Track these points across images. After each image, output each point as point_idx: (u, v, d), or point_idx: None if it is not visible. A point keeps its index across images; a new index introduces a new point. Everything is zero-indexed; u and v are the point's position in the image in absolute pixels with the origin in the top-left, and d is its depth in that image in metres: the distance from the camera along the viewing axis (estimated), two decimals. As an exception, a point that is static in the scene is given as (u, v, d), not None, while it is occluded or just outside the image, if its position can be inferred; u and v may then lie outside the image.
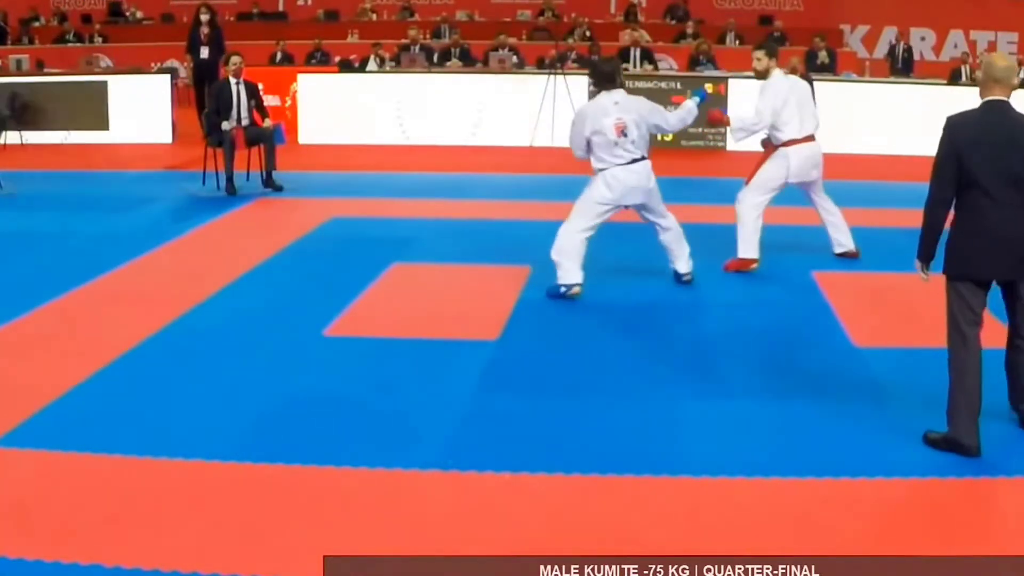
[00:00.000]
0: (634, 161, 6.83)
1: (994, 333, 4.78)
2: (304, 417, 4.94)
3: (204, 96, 13.84)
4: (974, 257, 4.45)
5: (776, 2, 21.92)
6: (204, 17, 14.44)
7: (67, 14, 21.71)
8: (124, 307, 6.74)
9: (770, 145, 7.65)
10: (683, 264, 7.24)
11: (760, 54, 7.62)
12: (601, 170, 6.86)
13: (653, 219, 7.14)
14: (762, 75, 7.61)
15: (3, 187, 10.69)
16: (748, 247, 7.53)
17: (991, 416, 4.90)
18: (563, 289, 6.90)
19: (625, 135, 6.75)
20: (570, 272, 6.89)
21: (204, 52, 14.32)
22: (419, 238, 8.67)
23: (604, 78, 6.99)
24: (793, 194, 7.97)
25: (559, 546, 3.66)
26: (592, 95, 6.93)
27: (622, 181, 6.83)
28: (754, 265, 7.53)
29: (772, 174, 7.58)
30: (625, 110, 6.80)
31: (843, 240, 7.89)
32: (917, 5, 20.31)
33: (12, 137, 13.70)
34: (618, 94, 6.87)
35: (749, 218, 7.54)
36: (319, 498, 4.10)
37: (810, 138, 7.61)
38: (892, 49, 17.40)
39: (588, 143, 6.85)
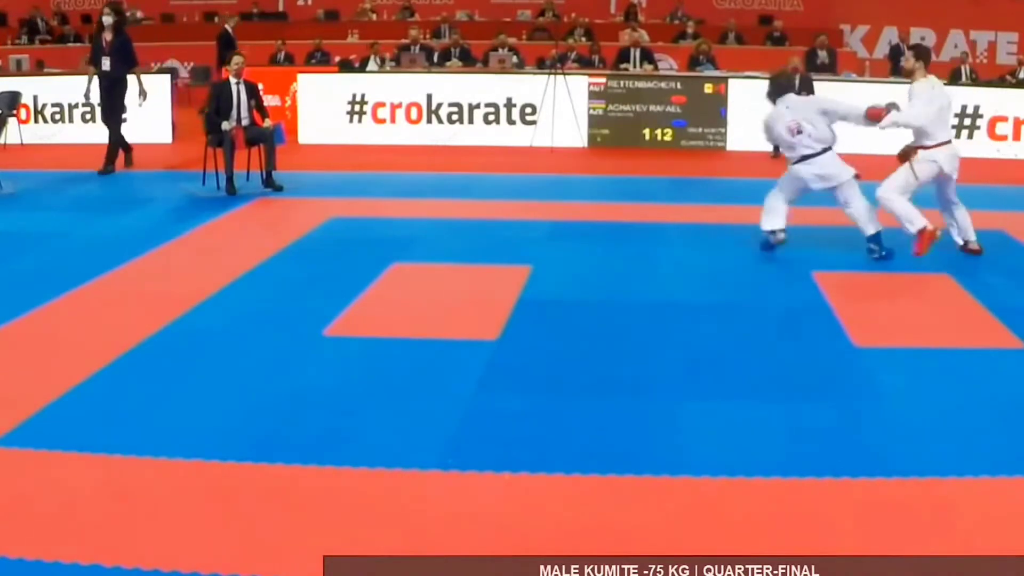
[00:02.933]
0: (816, 155, 7.70)
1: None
2: (304, 417, 4.93)
3: (110, 114, 11.93)
4: None
5: (776, 2, 21.92)
6: (106, 20, 11.79)
7: (67, 15, 21.73)
8: (124, 307, 6.74)
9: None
10: (867, 226, 7.80)
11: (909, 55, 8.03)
12: (792, 162, 7.87)
13: (840, 201, 7.88)
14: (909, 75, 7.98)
15: (3, 187, 10.69)
16: (915, 220, 7.65)
17: (991, 413, 4.92)
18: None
19: (800, 133, 7.66)
20: (776, 220, 7.93)
21: (105, 63, 11.74)
22: (419, 238, 8.66)
23: (778, 89, 7.94)
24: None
25: (559, 546, 3.66)
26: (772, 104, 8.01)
27: (797, 173, 7.85)
28: (938, 232, 7.65)
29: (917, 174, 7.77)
30: (796, 111, 7.70)
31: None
32: (917, 5, 20.31)
33: (12, 137, 13.70)
34: (790, 99, 7.81)
35: (899, 204, 7.69)
36: (319, 498, 4.10)
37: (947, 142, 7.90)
38: (895, 48, 17.37)
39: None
